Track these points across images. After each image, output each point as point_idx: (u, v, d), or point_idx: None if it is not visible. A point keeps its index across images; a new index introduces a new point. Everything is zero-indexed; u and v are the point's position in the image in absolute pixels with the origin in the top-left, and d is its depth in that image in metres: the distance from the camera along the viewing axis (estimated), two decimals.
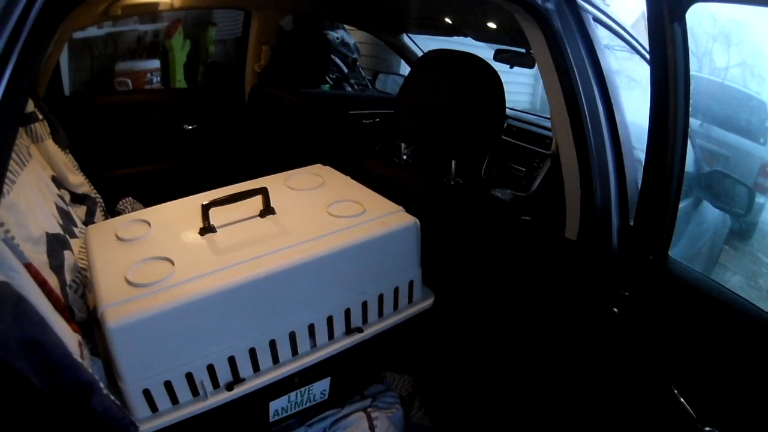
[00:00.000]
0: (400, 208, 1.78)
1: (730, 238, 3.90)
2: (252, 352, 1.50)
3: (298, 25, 4.22)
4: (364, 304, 1.69)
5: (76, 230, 1.89)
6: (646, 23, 1.34)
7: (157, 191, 2.41)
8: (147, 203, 2.60)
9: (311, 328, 1.60)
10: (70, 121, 2.60)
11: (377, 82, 4.36)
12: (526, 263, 1.81)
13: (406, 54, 4.07)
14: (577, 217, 1.62)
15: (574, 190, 1.62)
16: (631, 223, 1.58)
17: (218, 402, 1.46)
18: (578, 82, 1.55)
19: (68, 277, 1.58)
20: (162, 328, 1.34)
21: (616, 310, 1.52)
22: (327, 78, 4.35)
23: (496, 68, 1.95)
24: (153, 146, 3.22)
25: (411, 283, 1.79)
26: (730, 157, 4.99)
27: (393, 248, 1.70)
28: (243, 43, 3.54)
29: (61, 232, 1.70)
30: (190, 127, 3.28)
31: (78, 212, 2.16)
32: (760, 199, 3.95)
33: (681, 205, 2.53)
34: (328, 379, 1.73)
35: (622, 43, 2.12)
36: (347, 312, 1.66)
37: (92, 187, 2.45)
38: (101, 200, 2.47)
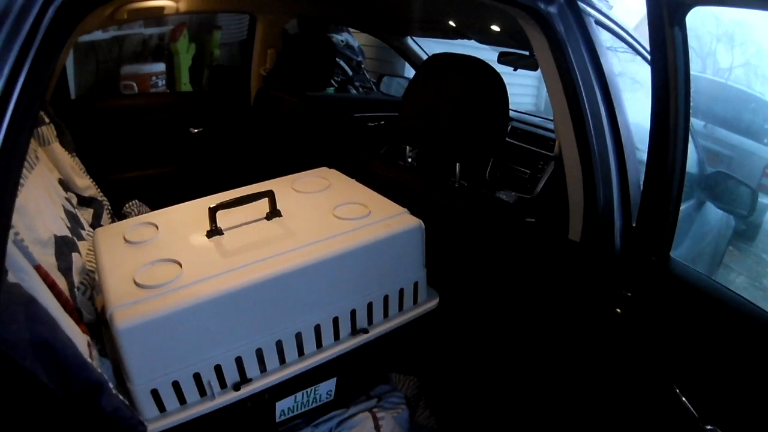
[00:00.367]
0: (405, 210, 1.79)
1: (735, 239, 3.91)
2: (259, 353, 1.52)
3: (302, 28, 4.23)
4: (370, 305, 1.70)
5: (83, 233, 1.90)
6: (647, 26, 1.36)
7: (163, 194, 2.42)
8: (153, 206, 2.61)
9: (317, 329, 1.61)
10: (76, 124, 2.61)
11: (382, 85, 4.36)
12: (530, 265, 1.82)
13: (411, 57, 4.07)
14: (580, 218, 1.63)
15: (577, 192, 1.63)
16: (634, 225, 1.59)
17: (225, 402, 1.48)
18: (580, 84, 1.55)
19: (76, 279, 1.60)
20: (170, 329, 1.35)
21: (619, 310, 1.53)
22: (332, 81, 4.35)
23: (499, 71, 1.96)
24: (159, 149, 3.23)
25: (416, 285, 1.80)
26: (734, 158, 4.99)
27: (398, 250, 1.71)
28: (248, 46, 3.54)
29: (69, 235, 1.72)
30: (196, 131, 3.29)
31: (85, 215, 2.17)
32: (764, 199, 3.95)
33: (684, 206, 2.55)
34: (334, 379, 1.75)
35: (625, 45, 2.13)
36: (353, 313, 1.67)
37: (99, 190, 2.46)
38: (108, 203, 2.48)
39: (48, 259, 1.49)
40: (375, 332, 1.72)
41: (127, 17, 2.90)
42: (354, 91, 4.63)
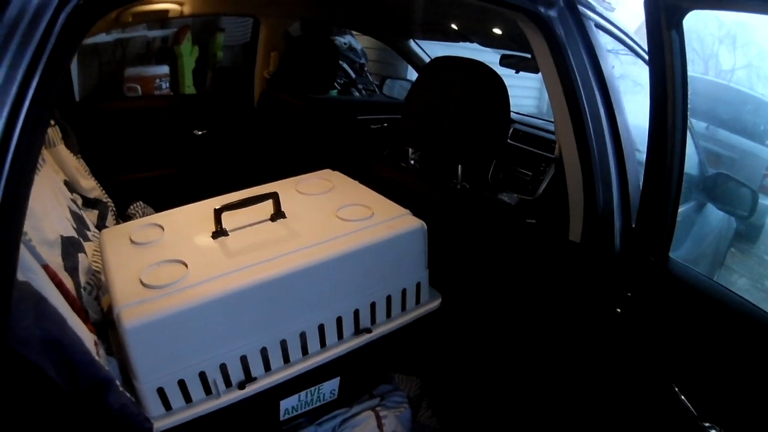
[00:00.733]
0: (408, 211, 1.80)
1: (736, 240, 3.91)
2: (263, 352, 1.53)
3: (305, 31, 4.24)
4: (373, 305, 1.72)
5: (89, 234, 1.92)
6: (646, 30, 1.37)
7: (167, 196, 2.43)
8: (158, 208, 2.63)
9: (321, 329, 1.62)
10: (80, 126, 2.63)
11: (385, 88, 4.36)
12: (531, 265, 1.83)
13: (413, 59, 4.07)
14: (581, 219, 1.64)
15: (577, 193, 1.64)
16: (634, 226, 1.60)
17: (230, 400, 1.49)
18: (580, 87, 1.57)
19: (82, 279, 1.62)
20: (176, 328, 1.37)
21: (619, 310, 1.54)
22: (335, 83, 4.36)
23: (501, 73, 1.98)
24: (163, 151, 3.24)
25: (418, 285, 1.81)
26: (736, 159, 4.99)
27: (400, 251, 1.73)
28: (251, 48, 3.56)
29: (75, 236, 1.73)
30: (200, 133, 3.30)
31: (90, 216, 2.18)
32: (765, 201, 3.95)
33: (685, 207, 2.55)
34: (338, 378, 1.76)
35: (627, 48, 2.15)
36: (356, 313, 1.69)
37: (103, 191, 2.48)
38: (112, 204, 2.49)
39: (55, 259, 1.51)
40: (378, 332, 1.73)
41: (131, 20, 2.92)
42: (357, 94, 4.64)
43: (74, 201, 2.06)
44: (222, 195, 1.88)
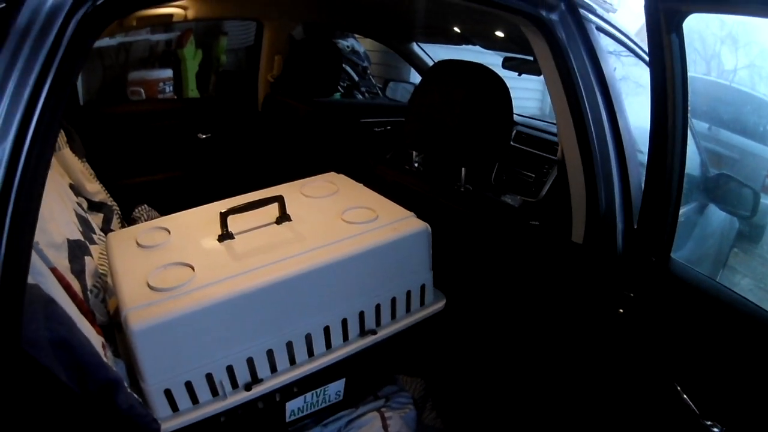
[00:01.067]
0: (412, 214, 1.81)
1: (739, 240, 3.90)
2: (269, 354, 1.55)
3: (308, 34, 4.25)
4: (378, 307, 1.73)
5: (94, 237, 1.92)
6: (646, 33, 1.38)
7: (172, 199, 2.45)
8: (162, 211, 2.64)
9: (326, 330, 1.63)
10: (85, 129, 2.64)
11: (388, 90, 4.36)
12: (534, 267, 1.84)
13: (416, 62, 4.07)
14: (583, 221, 1.65)
15: (579, 195, 1.65)
16: (636, 227, 1.61)
17: (237, 402, 1.50)
18: (582, 90, 1.58)
19: (89, 282, 1.62)
20: (183, 330, 1.38)
21: (621, 310, 1.55)
22: (338, 86, 4.37)
23: (504, 75, 1.99)
24: (168, 155, 3.25)
25: (423, 287, 1.82)
26: (738, 160, 4.98)
27: (405, 253, 1.74)
28: (254, 52, 3.57)
29: (82, 239, 1.74)
30: (204, 136, 3.31)
31: (95, 219, 2.19)
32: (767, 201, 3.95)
33: (687, 208, 2.56)
34: (343, 380, 1.77)
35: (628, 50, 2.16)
36: (361, 314, 1.70)
37: (108, 195, 2.49)
38: (117, 208, 2.50)
39: (62, 262, 1.52)
40: (383, 333, 1.74)
41: (135, 24, 2.94)
42: (360, 97, 4.65)
43: (80, 204, 2.07)
44: (227, 198, 1.89)
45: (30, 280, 1.11)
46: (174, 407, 1.44)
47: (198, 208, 1.89)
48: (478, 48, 3.49)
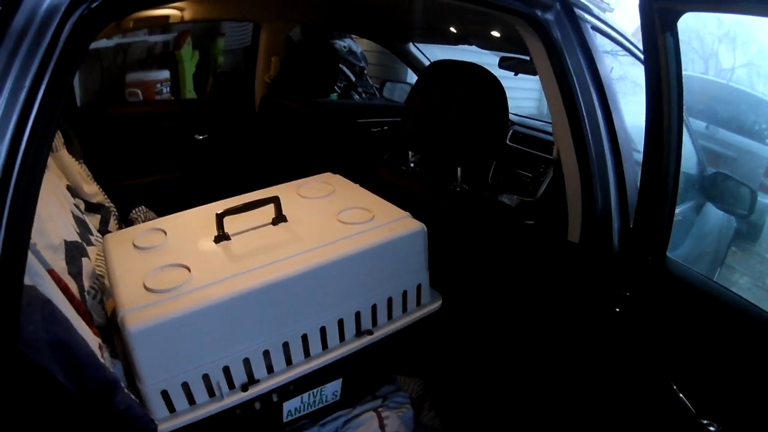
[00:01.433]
0: (408, 214, 1.81)
1: (737, 239, 3.90)
2: (266, 354, 1.55)
3: (306, 35, 4.25)
4: (374, 307, 1.73)
5: (92, 238, 1.93)
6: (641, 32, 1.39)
7: (169, 200, 2.45)
8: (160, 212, 2.65)
9: (323, 331, 1.64)
10: (82, 131, 2.64)
11: (385, 91, 4.37)
12: (530, 266, 1.85)
13: (413, 62, 4.08)
14: (579, 220, 1.66)
15: (575, 195, 1.65)
16: (632, 226, 1.61)
17: (234, 402, 1.51)
18: (577, 90, 1.58)
19: (86, 284, 1.63)
20: (180, 331, 1.38)
21: (617, 309, 1.56)
22: (335, 87, 4.37)
23: (500, 74, 1.99)
24: (165, 156, 3.25)
25: (419, 287, 1.83)
26: (736, 159, 4.99)
27: (401, 253, 1.74)
28: (252, 53, 3.57)
29: (79, 240, 1.74)
30: (201, 137, 3.31)
31: (93, 221, 2.19)
32: (765, 199, 3.95)
33: (685, 207, 2.56)
34: (340, 380, 1.77)
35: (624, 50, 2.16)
36: (357, 315, 1.70)
37: (106, 196, 2.49)
38: (115, 209, 2.50)
39: (59, 264, 1.52)
40: (379, 333, 1.74)
41: (132, 26, 2.94)
42: (357, 97, 4.64)
43: (77, 206, 2.06)
44: (224, 199, 1.89)
45: (27, 281, 1.11)
46: (171, 408, 1.44)
47: (194, 210, 1.89)
48: (474, 48, 3.49)
